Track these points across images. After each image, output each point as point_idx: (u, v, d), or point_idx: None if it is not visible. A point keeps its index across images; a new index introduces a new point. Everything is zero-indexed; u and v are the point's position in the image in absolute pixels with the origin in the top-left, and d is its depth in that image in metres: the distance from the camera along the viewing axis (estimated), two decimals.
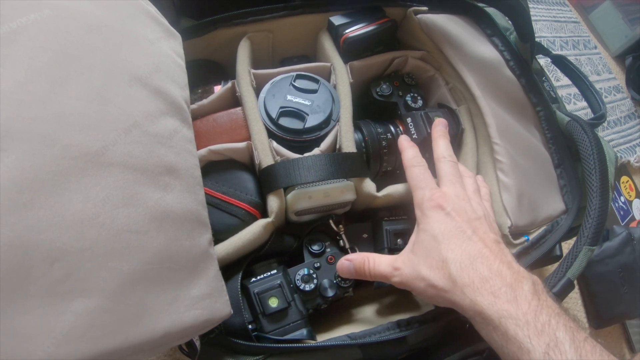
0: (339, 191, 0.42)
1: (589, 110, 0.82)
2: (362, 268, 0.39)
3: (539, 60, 0.59)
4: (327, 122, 0.45)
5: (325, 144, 0.44)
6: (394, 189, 0.45)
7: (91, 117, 0.28)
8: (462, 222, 0.35)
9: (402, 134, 0.49)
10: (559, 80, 0.87)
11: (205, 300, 0.32)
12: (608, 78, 1.00)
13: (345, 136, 0.44)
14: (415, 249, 0.36)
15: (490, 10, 0.58)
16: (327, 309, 0.45)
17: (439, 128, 0.45)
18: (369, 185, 0.43)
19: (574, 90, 0.84)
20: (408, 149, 0.44)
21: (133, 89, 0.32)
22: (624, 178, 0.85)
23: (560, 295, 0.41)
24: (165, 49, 0.39)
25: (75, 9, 0.32)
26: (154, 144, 0.32)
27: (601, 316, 0.69)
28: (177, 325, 0.29)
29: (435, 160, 0.43)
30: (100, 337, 0.25)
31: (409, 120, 0.48)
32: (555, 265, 0.44)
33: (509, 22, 0.61)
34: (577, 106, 0.88)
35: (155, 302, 0.28)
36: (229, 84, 0.48)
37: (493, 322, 0.29)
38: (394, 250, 0.44)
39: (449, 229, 0.35)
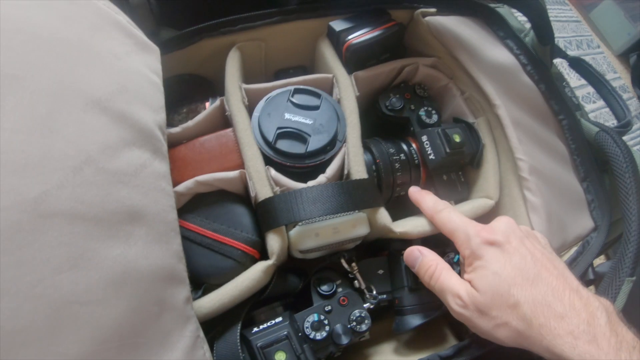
0: (350, 225, 0.37)
1: (606, 109, 0.78)
2: (425, 274, 0.36)
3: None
4: (333, 144, 0.39)
5: (331, 170, 0.38)
6: (412, 226, 0.39)
7: (29, 154, 0.23)
8: (520, 253, 0.33)
9: (415, 153, 0.43)
10: (569, 77, 0.83)
11: None
12: (613, 78, 0.96)
13: (355, 159, 0.38)
14: (477, 287, 0.33)
15: (502, 11, 0.53)
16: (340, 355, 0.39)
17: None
18: (383, 216, 0.38)
19: (590, 89, 0.80)
20: (424, 197, 0.41)
21: (88, 116, 0.27)
22: None
23: None
24: (136, 65, 0.33)
25: (22, 19, 0.26)
26: (113, 184, 0.26)
27: None
28: None
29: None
30: None
31: (424, 138, 0.42)
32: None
33: (521, 23, 0.56)
34: (596, 105, 0.83)
35: None
36: (217, 102, 0.42)
37: None
38: (415, 290, 0.39)
39: (509, 265, 0.33)
